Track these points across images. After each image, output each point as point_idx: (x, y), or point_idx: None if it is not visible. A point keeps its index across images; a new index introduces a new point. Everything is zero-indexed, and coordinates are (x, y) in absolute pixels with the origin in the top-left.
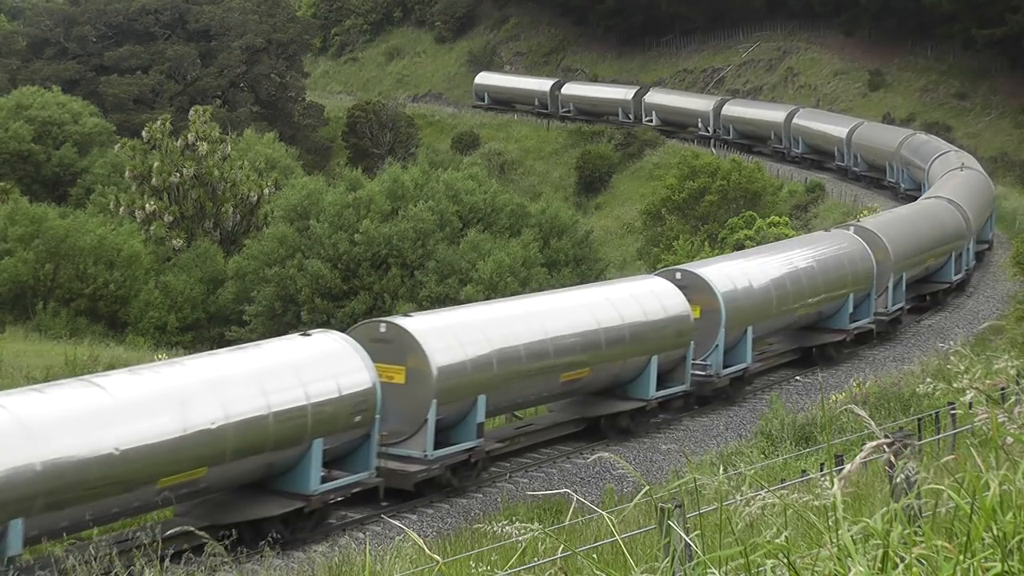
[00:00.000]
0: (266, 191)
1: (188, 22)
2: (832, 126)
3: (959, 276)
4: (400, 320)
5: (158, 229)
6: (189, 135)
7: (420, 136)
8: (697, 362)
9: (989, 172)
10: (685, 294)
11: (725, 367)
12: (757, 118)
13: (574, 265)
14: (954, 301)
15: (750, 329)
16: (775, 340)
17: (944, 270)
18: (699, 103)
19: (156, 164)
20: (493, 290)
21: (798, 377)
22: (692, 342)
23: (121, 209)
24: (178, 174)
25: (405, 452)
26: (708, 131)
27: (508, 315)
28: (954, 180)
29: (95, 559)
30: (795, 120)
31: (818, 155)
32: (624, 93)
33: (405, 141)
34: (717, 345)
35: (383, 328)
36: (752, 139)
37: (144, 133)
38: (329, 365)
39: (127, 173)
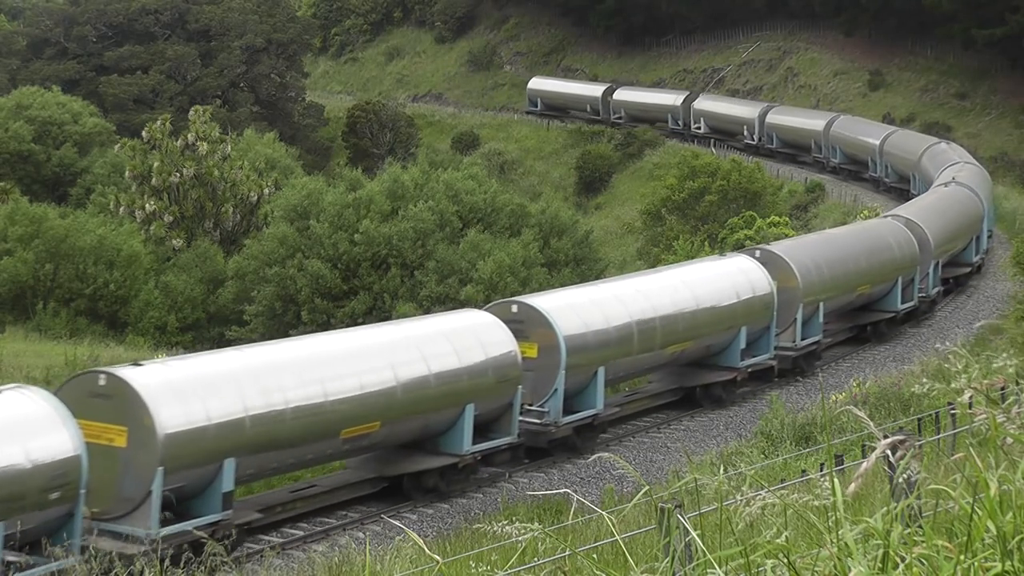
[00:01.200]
0: (266, 191)
1: (188, 22)
2: (864, 137)
3: (908, 304)
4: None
5: (158, 229)
6: (189, 135)
7: (420, 136)
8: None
9: (989, 172)
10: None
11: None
12: (798, 126)
13: (574, 265)
14: (951, 302)
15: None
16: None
17: (888, 298)
18: (744, 110)
19: (156, 164)
20: (493, 290)
21: (799, 377)
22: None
23: (121, 209)
24: (178, 174)
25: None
26: (753, 139)
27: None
28: (927, 198)
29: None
30: (833, 129)
31: (855, 165)
32: (674, 99)
33: (405, 141)
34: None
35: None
36: (795, 148)
37: (144, 133)
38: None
39: (127, 173)
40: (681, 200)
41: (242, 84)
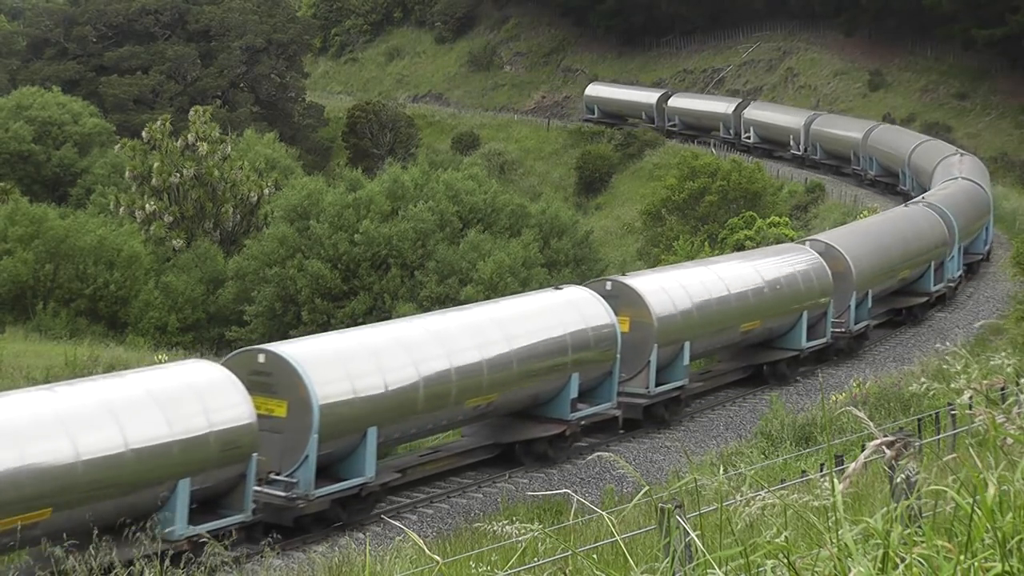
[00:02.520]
0: (266, 191)
1: (188, 22)
2: (894, 149)
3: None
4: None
5: (158, 229)
6: (189, 135)
7: (420, 136)
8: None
9: (989, 172)
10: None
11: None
12: (840, 134)
13: (574, 265)
14: (951, 302)
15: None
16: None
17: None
18: (790, 119)
19: (156, 164)
20: (493, 290)
21: (798, 378)
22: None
23: (121, 209)
24: (178, 174)
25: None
26: (799, 150)
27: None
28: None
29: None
30: (870, 139)
31: (890, 177)
32: (725, 107)
33: (405, 141)
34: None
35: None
36: (837, 159)
37: (144, 133)
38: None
39: (127, 173)
40: (681, 200)
41: (242, 84)
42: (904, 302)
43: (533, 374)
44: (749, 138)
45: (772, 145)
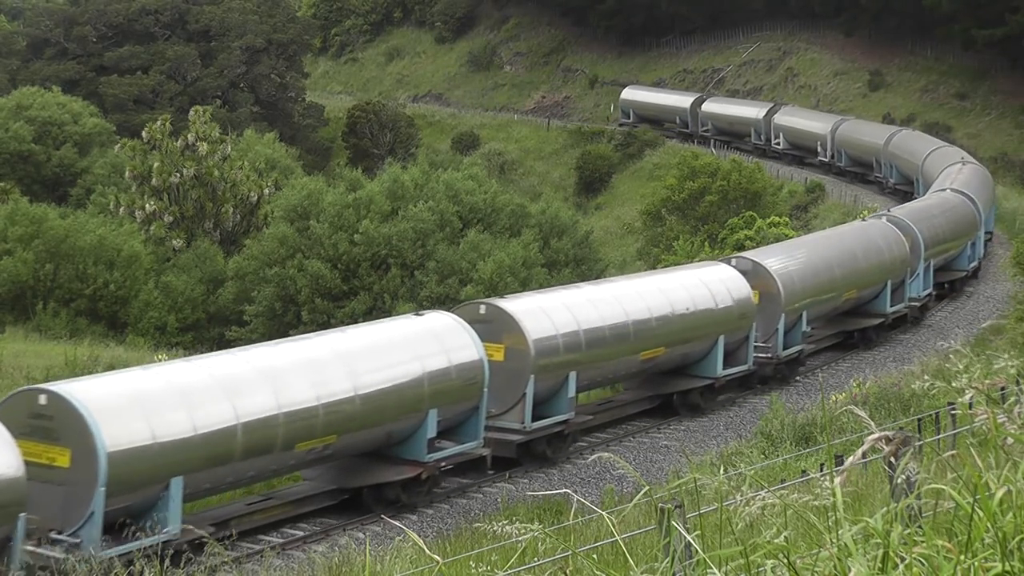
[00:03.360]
0: (266, 191)
1: (188, 22)
2: (911, 155)
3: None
4: (502, 302)
5: (158, 229)
6: (189, 135)
7: (420, 136)
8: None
9: (990, 172)
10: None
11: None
12: (864, 140)
13: (574, 265)
14: (951, 302)
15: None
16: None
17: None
18: (818, 124)
19: (156, 164)
20: (493, 290)
21: (798, 377)
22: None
23: (121, 209)
24: (178, 174)
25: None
26: (826, 157)
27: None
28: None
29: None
30: (891, 144)
31: (908, 185)
32: (756, 112)
33: (405, 141)
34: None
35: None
36: (860, 165)
37: (144, 133)
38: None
39: (127, 173)
40: (681, 200)
41: (242, 84)
42: (856, 323)
43: (380, 414)
44: (779, 144)
45: (802, 152)
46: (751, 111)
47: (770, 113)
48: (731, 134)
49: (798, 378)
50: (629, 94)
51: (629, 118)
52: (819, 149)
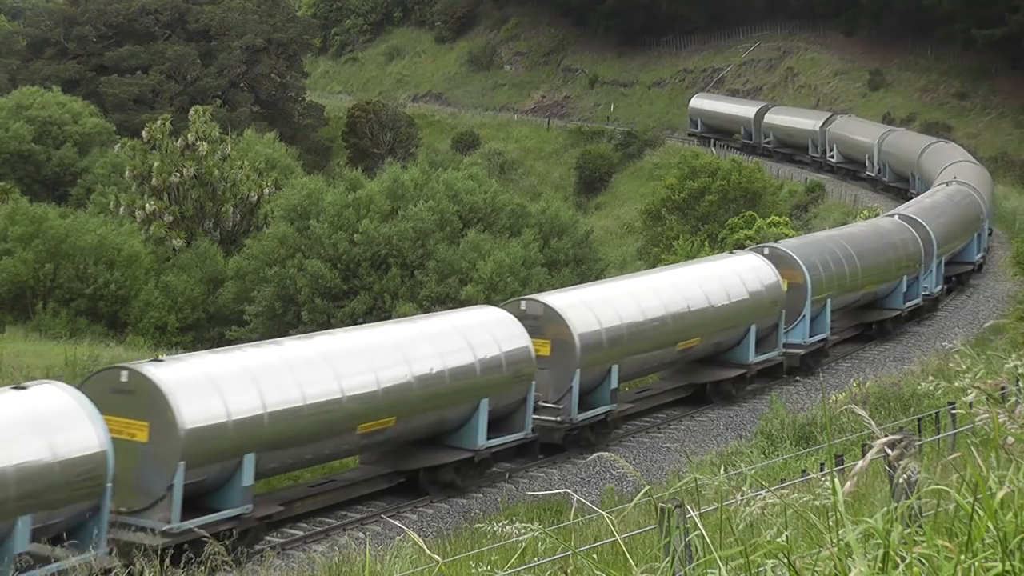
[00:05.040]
0: (266, 191)
1: (188, 22)
2: (936, 167)
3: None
4: (546, 297)
5: (158, 229)
6: (189, 135)
7: (420, 136)
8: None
9: (989, 171)
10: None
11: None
12: (900, 152)
13: (574, 265)
14: (951, 302)
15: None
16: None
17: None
18: (867, 136)
19: (156, 164)
20: (493, 290)
21: (798, 377)
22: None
23: (121, 209)
24: (178, 174)
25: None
26: (873, 171)
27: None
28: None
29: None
30: (922, 157)
31: (904, 182)
32: (813, 123)
33: (405, 141)
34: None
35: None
36: (903, 180)
37: (144, 133)
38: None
39: (127, 173)
40: (681, 200)
41: (242, 84)
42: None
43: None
44: (833, 157)
45: (855, 165)
46: (808, 121)
47: (826, 123)
48: (791, 146)
49: (798, 378)
50: (697, 102)
51: (697, 127)
52: (867, 163)
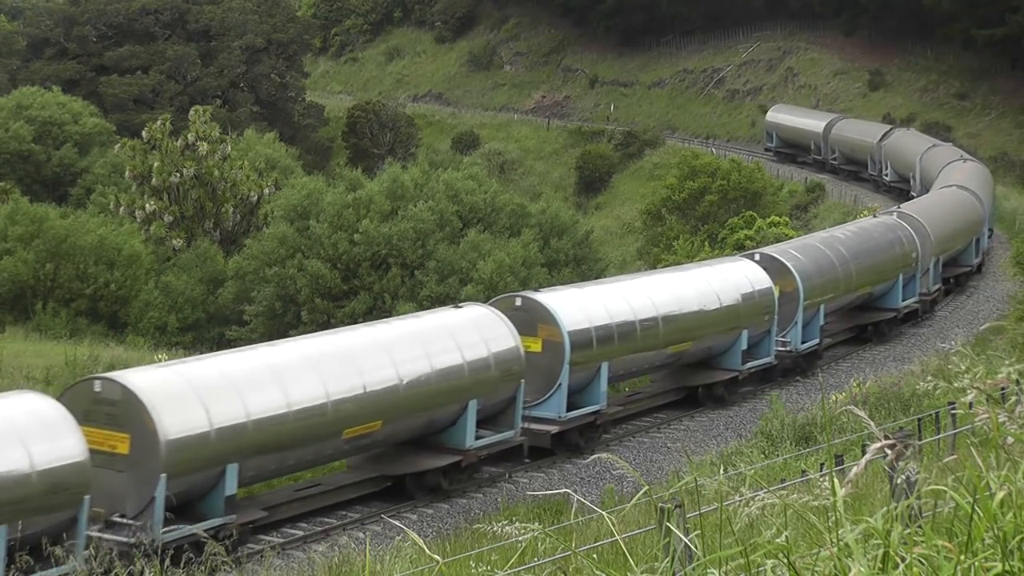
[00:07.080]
0: (266, 191)
1: (188, 22)
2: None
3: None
4: (538, 295)
5: (158, 229)
6: (189, 135)
7: (420, 136)
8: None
9: (990, 172)
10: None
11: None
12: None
13: (574, 265)
14: (951, 302)
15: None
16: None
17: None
18: (914, 151)
19: (156, 164)
20: (493, 290)
21: (798, 377)
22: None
23: (121, 209)
24: (178, 174)
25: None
26: (917, 190)
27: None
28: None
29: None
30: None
31: (906, 183)
32: (872, 136)
33: (405, 141)
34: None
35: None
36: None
37: (144, 133)
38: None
39: (127, 173)
40: (681, 200)
41: (242, 84)
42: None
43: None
44: (887, 176)
45: (904, 183)
46: (867, 134)
47: (884, 138)
48: (853, 162)
49: (798, 378)
50: (774, 116)
51: (773, 141)
52: (911, 180)
